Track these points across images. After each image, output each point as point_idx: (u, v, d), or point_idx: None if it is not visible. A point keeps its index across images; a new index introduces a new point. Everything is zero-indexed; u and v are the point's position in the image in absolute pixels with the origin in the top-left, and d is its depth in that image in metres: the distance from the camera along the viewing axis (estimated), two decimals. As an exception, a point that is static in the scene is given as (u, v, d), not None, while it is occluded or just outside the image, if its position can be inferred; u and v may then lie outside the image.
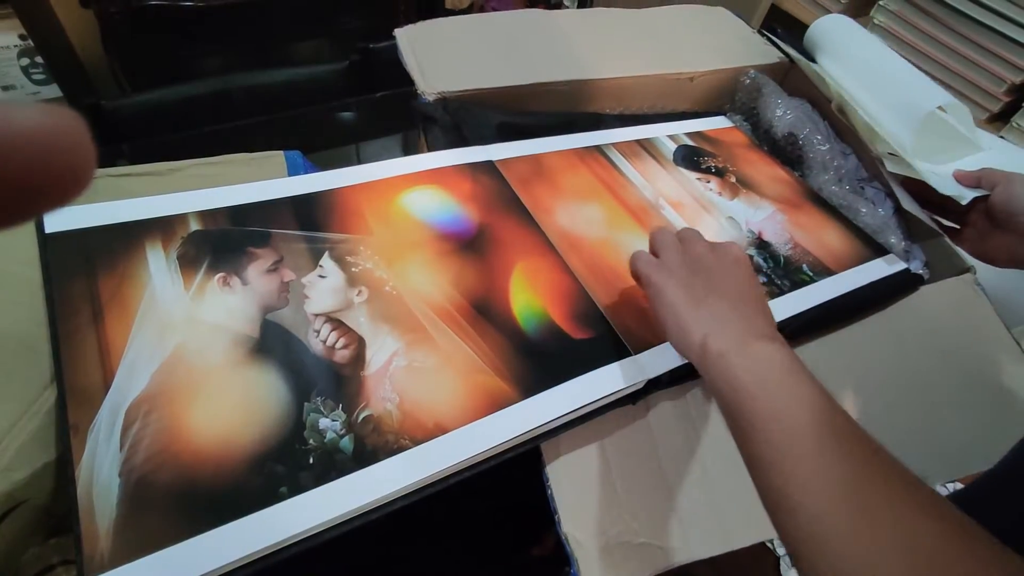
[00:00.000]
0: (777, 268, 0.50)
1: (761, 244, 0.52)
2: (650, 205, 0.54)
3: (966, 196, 0.52)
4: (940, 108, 0.61)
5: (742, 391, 0.31)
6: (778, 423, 0.29)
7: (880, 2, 1.16)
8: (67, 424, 0.31)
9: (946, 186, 0.54)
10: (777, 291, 0.48)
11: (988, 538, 0.23)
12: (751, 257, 0.51)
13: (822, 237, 0.54)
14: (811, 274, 0.50)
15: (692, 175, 0.59)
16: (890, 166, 0.58)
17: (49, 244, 0.38)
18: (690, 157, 0.61)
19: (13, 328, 0.34)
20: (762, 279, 0.49)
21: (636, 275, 0.42)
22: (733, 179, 0.59)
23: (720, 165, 0.60)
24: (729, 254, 0.40)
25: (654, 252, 0.42)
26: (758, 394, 0.30)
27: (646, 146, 0.61)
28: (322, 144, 0.92)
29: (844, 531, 0.24)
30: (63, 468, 0.31)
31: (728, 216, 0.55)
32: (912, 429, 0.45)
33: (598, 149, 0.59)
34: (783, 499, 0.27)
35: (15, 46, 1.03)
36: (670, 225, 0.53)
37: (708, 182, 0.58)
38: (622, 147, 0.60)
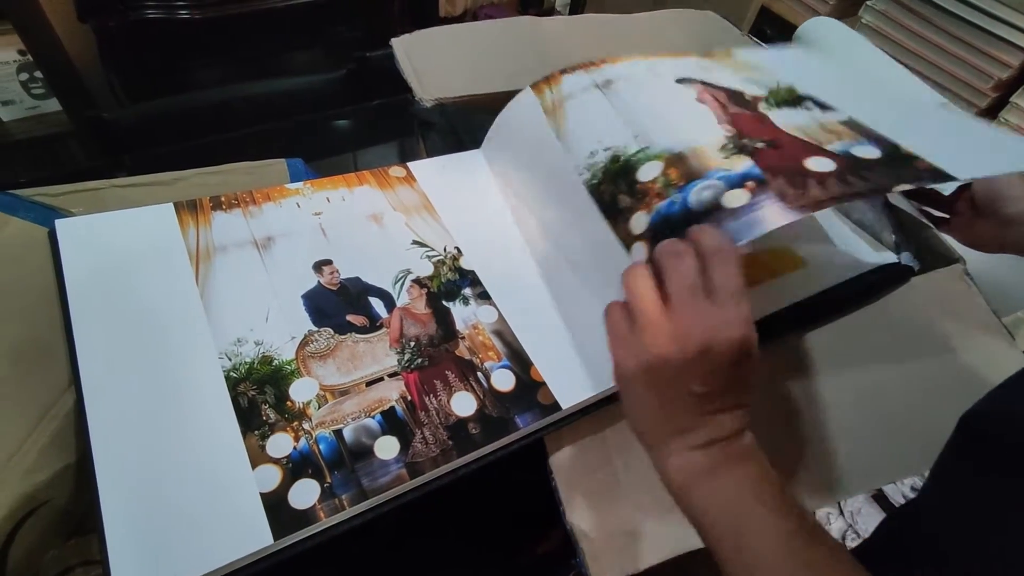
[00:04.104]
0: None
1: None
2: None
3: (948, 185, 0.53)
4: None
5: (707, 523, 0.31)
6: (744, 554, 0.29)
7: (868, 2, 1.18)
8: (87, 426, 0.32)
9: None
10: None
11: None
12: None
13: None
14: None
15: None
16: None
17: (62, 253, 0.39)
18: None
19: (30, 334, 0.35)
20: None
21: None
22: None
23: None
24: (735, 340, 0.29)
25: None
26: (723, 529, 0.30)
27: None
28: (320, 152, 0.93)
29: None
30: (83, 470, 0.32)
31: None
32: (905, 419, 0.46)
33: None
34: None
35: (14, 61, 1.05)
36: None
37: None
38: None
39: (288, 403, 0.36)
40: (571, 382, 0.40)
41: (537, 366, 0.41)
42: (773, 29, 0.76)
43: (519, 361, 0.41)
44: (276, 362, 0.38)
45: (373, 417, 0.37)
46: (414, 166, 0.53)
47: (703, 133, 0.41)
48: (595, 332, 0.43)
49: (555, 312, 0.44)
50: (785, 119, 0.43)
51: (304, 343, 0.39)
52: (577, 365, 0.41)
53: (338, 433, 0.36)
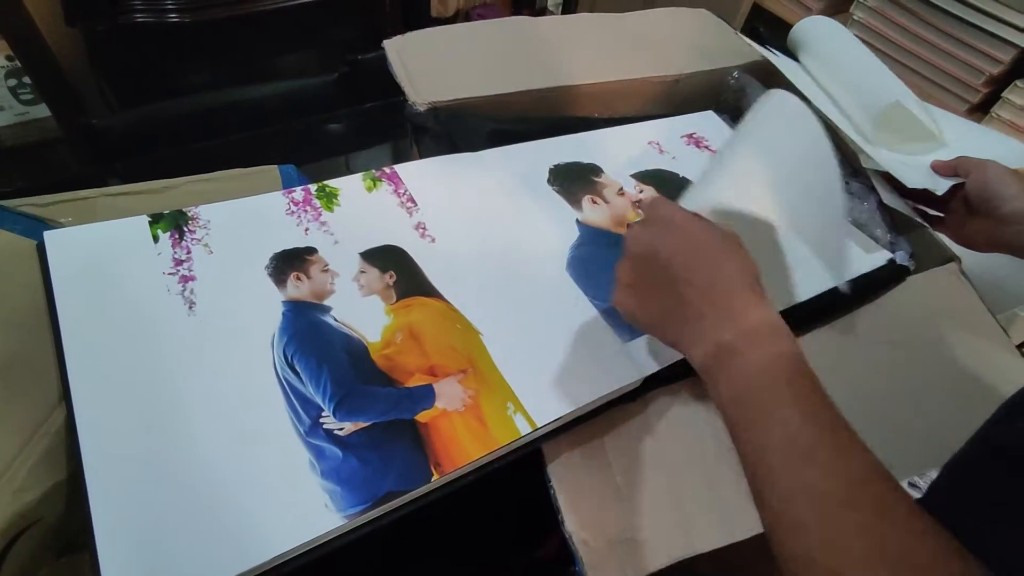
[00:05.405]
0: None
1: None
2: None
3: (940, 186, 0.53)
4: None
5: (732, 406, 0.31)
6: (770, 442, 0.29)
7: (859, -1, 1.18)
8: (78, 443, 0.31)
9: (918, 178, 0.55)
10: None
11: (949, 541, 0.24)
12: None
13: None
14: None
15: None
16: (862, 161, 0.59)
17: (51, 266, 0.39)
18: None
19: (19, 351, 0.34)
20: None
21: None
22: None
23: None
24: (691, 236, 0.35)
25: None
26: (754, 413, 0.30)
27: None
28: (312, 156, 0.93)
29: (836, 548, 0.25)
30: (75, 487, 0.31)
31: None
32: (902, 418, 0.46)
33: None
34: (780, 516, 0.28)
35: (1, 67, 1.03)
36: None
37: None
38: None
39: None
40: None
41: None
42: (766, 27, 0.76)
43: None
44: None
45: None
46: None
47: None
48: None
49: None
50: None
51: None
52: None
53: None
